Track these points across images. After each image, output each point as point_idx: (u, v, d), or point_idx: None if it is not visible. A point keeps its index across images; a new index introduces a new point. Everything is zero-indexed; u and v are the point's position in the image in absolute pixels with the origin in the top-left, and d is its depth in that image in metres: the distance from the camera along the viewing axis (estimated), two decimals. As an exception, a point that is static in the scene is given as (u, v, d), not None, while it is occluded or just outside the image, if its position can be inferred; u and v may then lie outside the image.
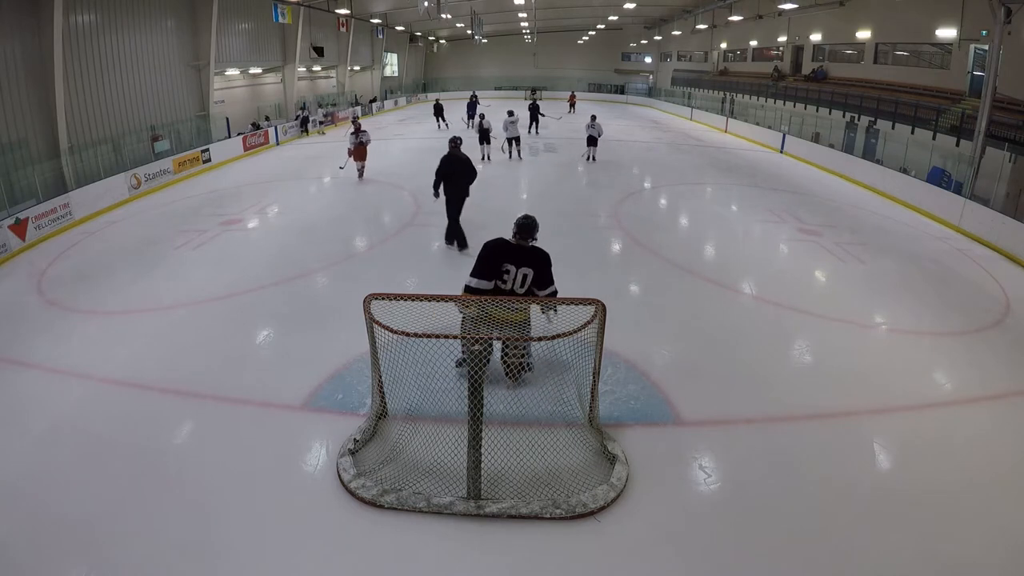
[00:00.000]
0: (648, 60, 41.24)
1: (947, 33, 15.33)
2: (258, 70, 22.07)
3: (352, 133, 13.25)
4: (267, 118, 21.83)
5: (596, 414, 4.24)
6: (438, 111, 23.42)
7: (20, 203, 9.96)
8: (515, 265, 4.45)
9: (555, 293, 4.58)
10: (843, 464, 4.14)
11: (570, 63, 42.78)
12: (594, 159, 15.65)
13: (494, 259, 4.47)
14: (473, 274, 4.52)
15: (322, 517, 3.61)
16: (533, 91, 38.47)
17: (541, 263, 4.48)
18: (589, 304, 3.78)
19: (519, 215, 4.70)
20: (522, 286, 4.46)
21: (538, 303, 4.37)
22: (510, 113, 16.11)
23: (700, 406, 4.75)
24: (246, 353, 5.69)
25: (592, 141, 15.65)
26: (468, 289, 4.50)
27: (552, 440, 4.09)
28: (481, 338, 3.63)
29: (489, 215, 9.45)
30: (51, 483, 3.89)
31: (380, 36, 32.17)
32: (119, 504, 3.69)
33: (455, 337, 3.77)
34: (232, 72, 20.21)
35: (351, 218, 10.61)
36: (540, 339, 3.95)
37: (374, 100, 31.50)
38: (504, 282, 4.47)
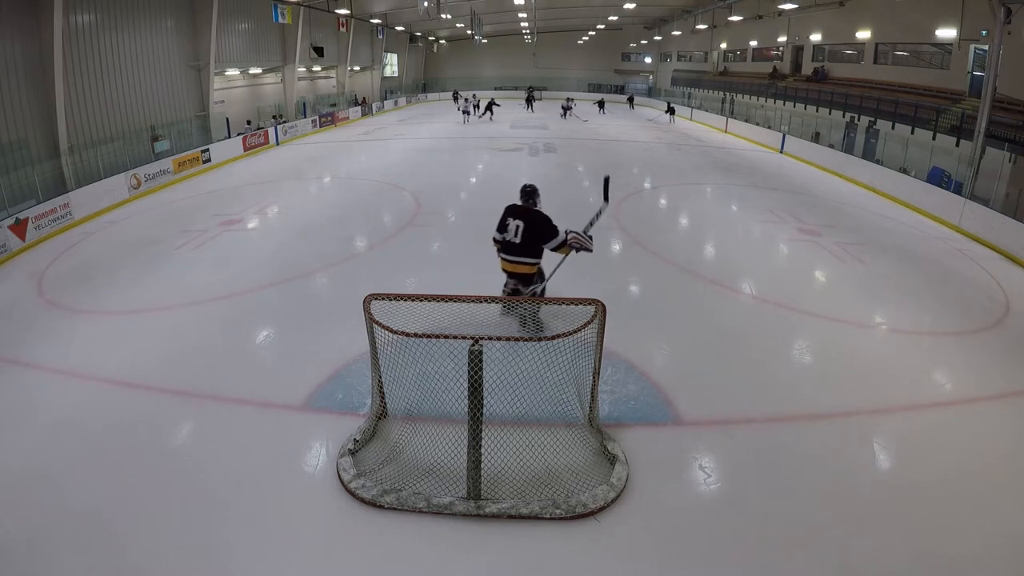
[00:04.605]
0: (648, 60, 41.25)
1: (947, 33, 15.33)
2: (258, 70, 22.07)
3: None
4: (275, 117, 21.91)
5: (596, 414, 4.24)
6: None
7: (20, 203, 9.95)
8: (512, 219, 5.61)
9: (564, 242, 5.44)
10: (843, 464, 4.14)
11: (570, 63, 42.75)
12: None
13: (504, 216, 5.73)
14: (497, 229, 5.77)
15: (322, 517, 3.61)
16: (531, 90, 37.89)
17: (532, 219, 5.57)
18: (589, 304, 3.78)
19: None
20: (516, 235, 5.56)
21: (529, 301, 4.86)
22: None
23: (700, 406, 4.75)
24: (246, 353, 5.69)
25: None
26: (495, 240, 5.79)
27: (552, 440, 4.09)
28: (480, 338, 3.63)
29: (490, 215, 9.42)
30: (51, 483, 3.89)
31: (380, 36, 32.15)
32: (119, 504, 3.69)
33: (455, 337, 3.76)
34: (232, 72, 20.21)
35: (351, 218, 10.61)
36: (540, 339, 3.96)
37: (362, 102, 30.61)
38: (507, 232, 5.62)
